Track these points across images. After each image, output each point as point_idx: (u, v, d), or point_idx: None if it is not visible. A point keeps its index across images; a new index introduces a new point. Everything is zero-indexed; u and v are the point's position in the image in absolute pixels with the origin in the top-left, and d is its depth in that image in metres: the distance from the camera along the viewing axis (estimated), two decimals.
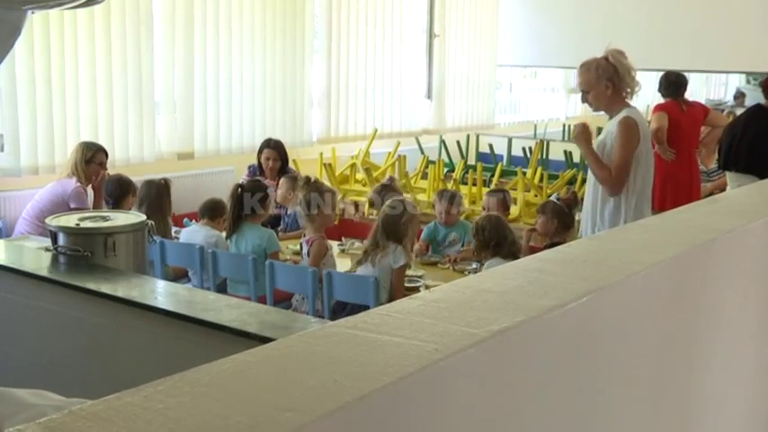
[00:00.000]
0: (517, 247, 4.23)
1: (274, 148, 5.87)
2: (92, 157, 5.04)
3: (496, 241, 4.11)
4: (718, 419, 1.77)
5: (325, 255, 4.18)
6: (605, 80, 3.85)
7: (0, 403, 1.11)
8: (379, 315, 1.01)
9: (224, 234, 4.59)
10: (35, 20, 5.04)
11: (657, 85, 6.22)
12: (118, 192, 4.93)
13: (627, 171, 3.80)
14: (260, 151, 5.94)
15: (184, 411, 0.74)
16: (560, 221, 4.50)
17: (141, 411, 0.74)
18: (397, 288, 4.00)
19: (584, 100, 4.02)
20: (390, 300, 3.95)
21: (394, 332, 0.95)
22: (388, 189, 5.13)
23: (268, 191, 4.68)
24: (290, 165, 6.15)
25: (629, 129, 3.79)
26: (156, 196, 4.79)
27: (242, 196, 4.44)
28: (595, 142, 4.04)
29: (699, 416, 1.68)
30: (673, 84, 6.07)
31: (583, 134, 3.97)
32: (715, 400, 1.72)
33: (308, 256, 4.21)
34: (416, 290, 3.97)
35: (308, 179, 4.46)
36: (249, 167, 6.03)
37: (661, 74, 6.26)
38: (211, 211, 4.66)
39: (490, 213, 4.56)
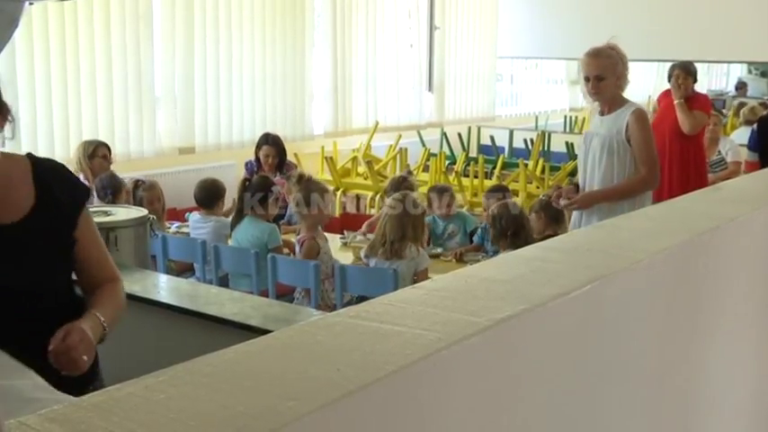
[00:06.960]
0: (533, 238, 4.13)
1: (273, 145, 5.77)
2: (93, 152, 5.06)
3: (513, 230, 4.03)
4: (721, 407, 1.77)
5: (317, 254, 4.07)
6: (619, 69, 3.77)
7: (2, 398, 1.11)
8: (381, 305, 1.00)
9: (225, 219, 4.66)
10: (34, 13, 5.03)
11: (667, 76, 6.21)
12: (112, 188, 4.92)
13: (658, 162, 3.79)
14: (258, 147, 5.84)
15: (186, 401, 0.74)
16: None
17: (142, 402, 0.73)
18: None
19: (592, 88, 3.75)
20: None
21: (396, 321, 0.94)
22: (403, 184, 5.04)
23: (273, 189, 4.61)
24: (291, 158, 6.12)
25: (647, 121, 3.84)
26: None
27: (244, 194, 4.42)
28: (596, 141, 3.90)
29: (702, 403, 1.67)
30: None
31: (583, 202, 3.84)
32: (718, 388, 1.72)
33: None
34: None
35: (300, 177, 4.38)
36: (247, 164, 5.99)
37: (659, 64, 6.24)
38: (206, 200, 4.72)
39: (506, 201, 4.46)
